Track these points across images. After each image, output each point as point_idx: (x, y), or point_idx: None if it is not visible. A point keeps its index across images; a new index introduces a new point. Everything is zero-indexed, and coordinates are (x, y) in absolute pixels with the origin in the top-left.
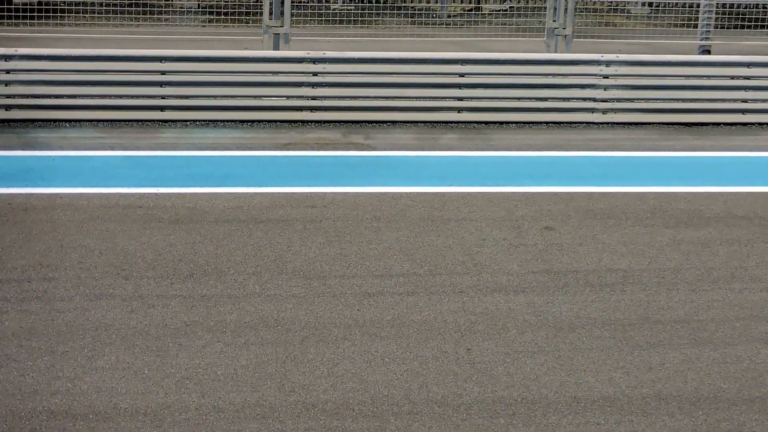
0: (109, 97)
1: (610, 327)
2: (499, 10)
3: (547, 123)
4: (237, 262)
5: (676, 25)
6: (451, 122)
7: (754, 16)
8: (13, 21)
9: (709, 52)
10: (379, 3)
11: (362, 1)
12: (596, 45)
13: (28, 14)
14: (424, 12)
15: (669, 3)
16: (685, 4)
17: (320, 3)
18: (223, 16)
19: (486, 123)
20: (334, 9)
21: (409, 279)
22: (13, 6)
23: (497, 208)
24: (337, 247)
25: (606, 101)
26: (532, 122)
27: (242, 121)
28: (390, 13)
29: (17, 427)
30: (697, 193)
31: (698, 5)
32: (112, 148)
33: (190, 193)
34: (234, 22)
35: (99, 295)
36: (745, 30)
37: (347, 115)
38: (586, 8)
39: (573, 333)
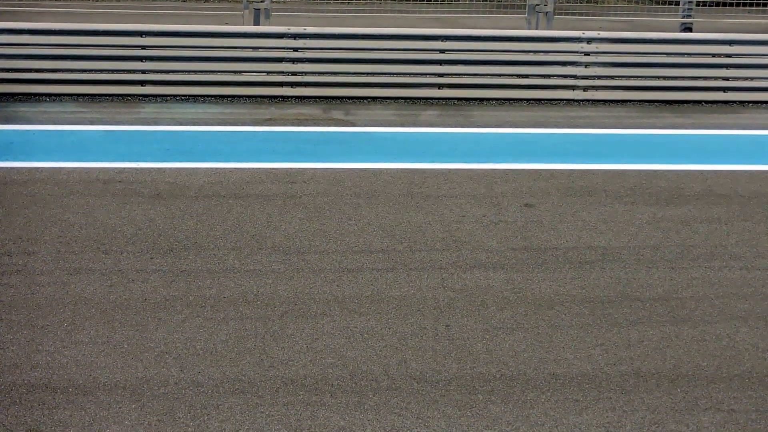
0: (90, 71)
1: (589, 304)
2: None
3: (527, 100)
4: (217, 237)
5: (657, 2)
6: (432, 98)
7: None
8: None
9: (690, 30)
10: None
11: None
12: (577, 22)
13: None
14: None
15: None
16: None
17: None
18: None
19: (466, 99)
20: None
21: (389, 255)
22: None
23: (477, 185)
24: (317, 222)
25: (587, 78)
26: (513, 99)
27: (222, 97)
28: None
29: None
30: (677, 171)
31: None
32: (92, 123)
33: (170, 168)
34: None
35: (79, 270)
36: (727, 8)
37: (328, 91)
38: None
39: (552, 310)
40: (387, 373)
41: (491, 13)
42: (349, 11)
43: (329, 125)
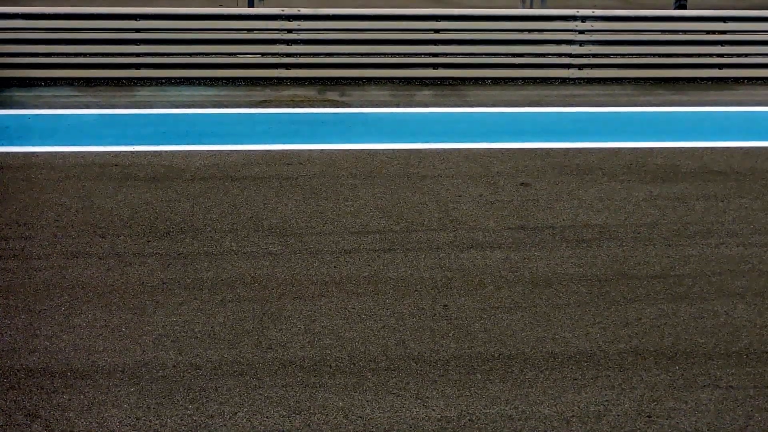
0: (85, 55)
1: (586, 282)
2: None
3: (522, 79)
4: (213, 220)
5: None
6: (427, 79)
7: None
8: None
9: (685, 7)
10: None
11: None
12: (572, 0)
13: None
14: None
15: None
16: None
17: None
18: None
19: (461, 79)
20: None
21: (386, 236)
22: None
23: (473, 165)
24: (313, 204)
25: (582, 57)
26: (508, 78)
27: (217, 79)
28: None
29: None
30: (673, 148)
31: None
32: (87, 107)
33: (166, 151)
34: None
35: (76, 254)
36: None
37: (322, 72)
38: None
39: (549, 289)
40: (385, 353)
41: None
42: None
43: (324, 106)
